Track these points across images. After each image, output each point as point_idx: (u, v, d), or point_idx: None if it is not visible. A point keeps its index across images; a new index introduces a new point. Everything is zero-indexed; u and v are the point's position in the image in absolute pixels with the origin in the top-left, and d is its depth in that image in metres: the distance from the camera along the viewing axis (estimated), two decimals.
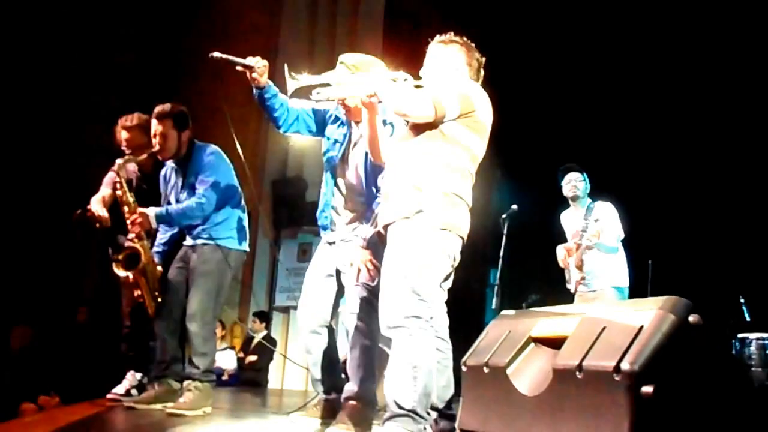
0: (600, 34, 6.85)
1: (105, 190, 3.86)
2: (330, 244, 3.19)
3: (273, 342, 8.03)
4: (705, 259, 6.17)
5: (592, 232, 4.31)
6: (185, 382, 3.44)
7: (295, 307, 8.38)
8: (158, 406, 3.44)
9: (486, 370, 2.07)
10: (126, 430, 3.03)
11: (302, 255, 8.65)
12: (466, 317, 3.80)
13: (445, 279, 2.50)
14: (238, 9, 9.42)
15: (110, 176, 3.82)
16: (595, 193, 4.62)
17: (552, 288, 4.82)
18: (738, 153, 6.30)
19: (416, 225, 2.34)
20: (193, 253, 3.56)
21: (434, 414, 2.43)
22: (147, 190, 3.87)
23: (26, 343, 5.45)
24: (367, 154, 2.88)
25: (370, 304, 2.87)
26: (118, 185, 3.60)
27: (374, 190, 3.00)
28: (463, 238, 2.47)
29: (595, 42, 6.90)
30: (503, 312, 2.37)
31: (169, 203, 3.67)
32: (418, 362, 2.24)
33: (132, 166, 3.93)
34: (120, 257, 3.60)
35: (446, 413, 2.51)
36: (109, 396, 3.76)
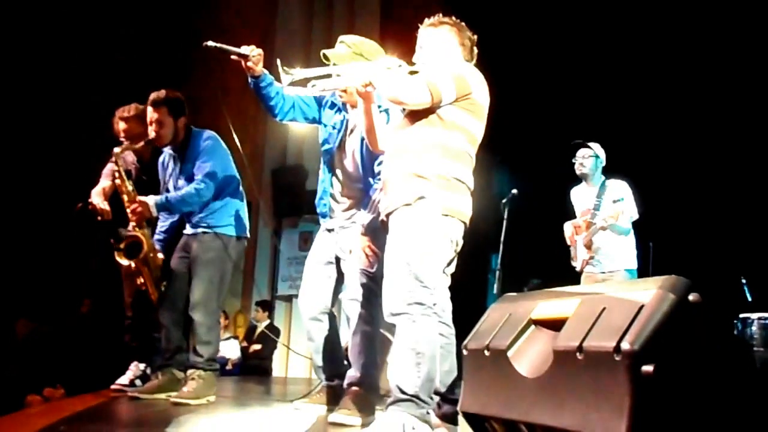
0: (600, 15, 6.81)
1: (104, 182, 3.87)
2: (329, 231, 3.21)
3: (276, 331, 8.06)
4: (706, 241, 6.17)
5: (611, 213, 4.21)
6: (189, 372, 3.46)
7: (297, 296, 8.44)
8: (162, 396, 3.47)
9: (487, 353, 2.07)
10: (130, 420, 3.05)
11: (303, 243, 8.66)
12: (468, 302, 3.79)
13: (448, 264, 2.51)
14: (235, 5, 9.39)
15: (109, 167, 3.83)
16: (610, 174, 4.55)
17: (553, 272, 4.81)
18: (739, 134, 6.27)
19: (418, 211, 2.34)
20: (194, 242, 3.57)
21: (437, 398, 2.44)
22: (147, 180, 3.87)
23: (30, 335, 5.48)
24: (363, 140, 2.87)
25: (370, 291, 2.89)
26: (116, 174, 3.60)
27: (371, 176, 3.01)
28: (465, 223, 2.47)
29: (594, 23, 6.86)
30: (504, 295, 2.37)
31: (167, 190, 3.67)
32: (422, 348, 2.25)
33: (131, 157, 3.93)
34: (122, 246, 3.61)
35: (449, 398, 2.53)
36: (113, 387, 3.78)
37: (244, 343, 8.09)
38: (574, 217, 4.56)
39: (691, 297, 1.65)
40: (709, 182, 6.34)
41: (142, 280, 3.62)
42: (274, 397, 4.55)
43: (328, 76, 2.58)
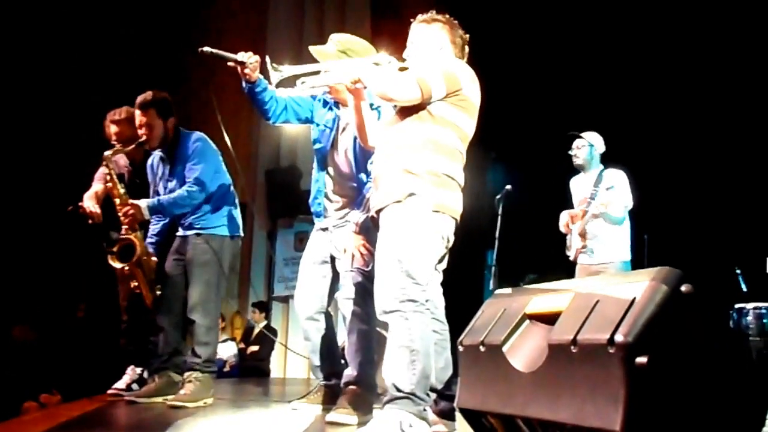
0: (593, 7, 6.82)
1: (97, 186, 3.86)
2: (323, 230, 3.20)
3: (273, 332, 8.05)
4: (701, 232, 6.18)
5: (602, 201, 4.22)
6: (186, 374, 3.45)
7: (293, 297, 8.44)
8: (159, 399, 3.46)
9: (482, 348, 2.07)
10: (128, 425, 3.04)
11: (299, 244, 8.65)
12: (464, 299, 3.80)
13: (440, 261, 2.50)
14: (226, 3, 9.37)
15: (101, 171, 3.82)
16: (608, 164, 4.55)
17: (549, 267, 4.82)
18: (733, 125, 6.29)
19: (408, 208, 2.34)
20: (188, 244, 3.56)
21: (433, 395, 2.44)
22: (139, 183, 3.87)
23: (26, 341, 5.46)
24: (355, 138, 2.87)
25: (365, 289, 2.88)
26: (107, 177, 3.59)
27: (364, 174, 3.00)
28: (456, 219, 2.46)
29: (587, 16, 6.86)
30: (498, 290, 2.37)
31: (157, 193, 3.66)
32: (416, 345, 2.24)
33: (123, 161, 3.93)
34: (114, 249, 3.61)
35: (445, 394, 2.53)
36: (109, 391, 3.78)
37: (242, 345, 8.08)
38: (572, 207, 4.55)
39: (683, 288, 1.66)
40: (703, 173, 6.35)
41: (136, 284, 3.62)
42: (271, 398, 4.54)
43: (317, 72, 2.57)
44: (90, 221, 3.72)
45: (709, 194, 6.25)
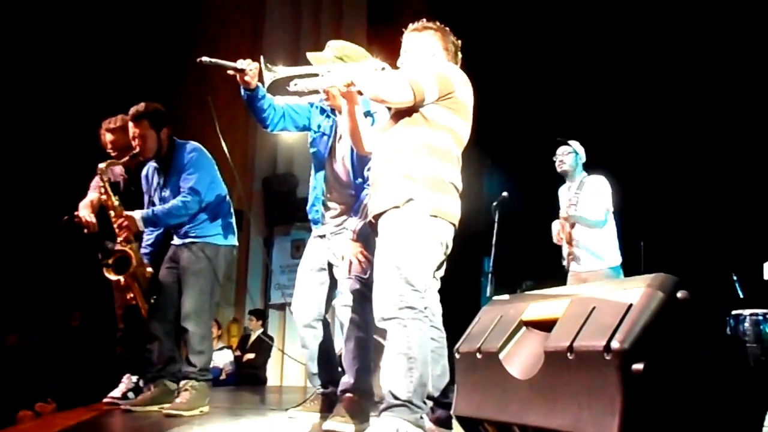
0: (589, 15, 6.85)
1: (92, 195, 3.86)
2: (320, 237, 3.20)
3: (270, 339, 8.03)
4: (697, 238, 6.19)
5: (563, 213, 4.24)
6: (182, 382, 3.44)
7: (290, 304, 8.42)
8: (155, 408, 3.44)
9: (479, 355, 2.07)
10: None
11: (296, 251, 8.64)
12: (461, 306, 3.80)
13: (438, 268, 2.50)
14: (223, 7, 9.39)
15: (97, 181, 3.81)
16: (592, 170, 4.55)
17: (546, 273, 4.83)
18: (728, 131, 6.31)
19: (406, 213, 2.33)
20: (182, 252, 3.56)
21: (430, 403, 2.43)
22: (135, 192, 3.86)
23: (20, 349, 5.44)
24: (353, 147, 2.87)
25: (363, 296, 2.87)
26: (101, 189, 3.59)
27: (361, 181, 3.00)
28: (454, 225, 2.45)
29: (581, 25, 6.89)
30: (494, 297, 2.37)
31: (152, 203, 3.66)
32: (413, 353, 2.23)
33: (118, 169, 3.92)
34: (110, 261, 3.60)
35: (442, 402, 2.52)
36: (105, 400, 3.76)
37: (238, 353, 8.05)
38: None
39: (679, 294, 1.66)
40: (699, 179, 6.37)
41: (132, 295, 3.61)
42: (268, 406, 4.53)
43: (311, 75, 2.57)
44: (85, 231, 3.71)
45: (705, 200, 6.27)
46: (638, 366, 1.54)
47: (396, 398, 2.21)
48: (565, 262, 4.42)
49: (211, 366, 3.63)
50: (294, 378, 8.22)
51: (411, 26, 2.63)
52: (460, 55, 2.63)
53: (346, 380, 2.96)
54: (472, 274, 7.16)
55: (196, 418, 3.26)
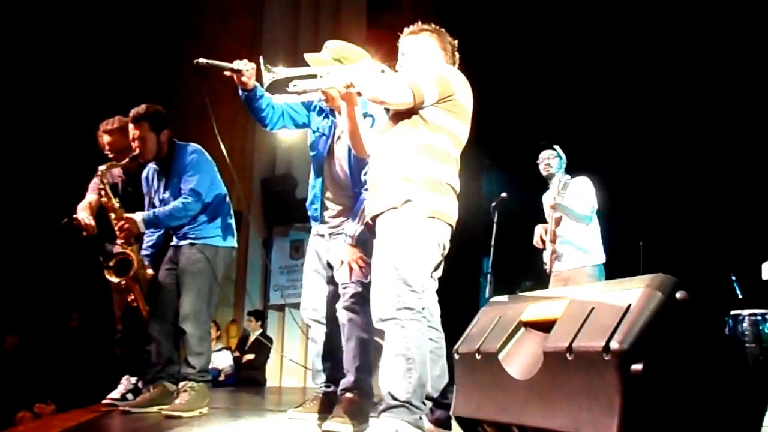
0: (584, 17, 6.85)
1: (91, 197, 3.85)
2: (320, 236, 3.21)
3: (269, 340, 8.02)
4: (696, 239, 6.20)
5: (549, 201, 4.23)
6: (181, 384, 3.44)
7: (289, 305, 8.43)
8: (154, 409, 3.44)
9: (478, 356, 2.07)
10: None
11: (295, 252, 8.64)
12: (460, 306, 3.80)
13: (435, 268, 2.50)
14: (221, 2, 9.38)
15: (95, 182, 3.81)
16: (575, 172, 4.55)
17: (545, 274, 4.83)
18: (726, 132, 6.32)
19: (404, 214, 2.33)
20: (181, 253, 3.56)
21: (429, 404, 2.43)
22: (133, 193, 3.86)
23: (19, 350, 5.44)
24: (350, 147, 2.87)
25: (363, 298, 2.88)
26: (102, 192, 3.59)
27: (359, 184, 3.01)
28: (451, 226, 2.46)
29: (579, 27, 6.90)
30: (493, 298, 2.37)
31: (153, 205, 3.66)
32: (412, 353, 2.23)
33: (117, 171, 3.92)
34: (111, 264, 3.60)
35: (441, 402, 2.51)
36: (104, 401, 3.76)
37: (237, 353, 8.04)
38: (546, 221, 4.56)
39: (678, 295, 1.66)
40: (698, 180, 6.38)
41: (133, 297, 3.61)
42: (267, 407, 4.52)
43: (311, 76, 2.57)
44: (84, 233, 3.71)
45: (703, 201, 6.28)
46: (637, 366, 1.54)
47: (395, 399, 2.21)
48: (547, 266, 4.41)
49: (210, 367, 3.63)
50: (293, 379, 8.21)
51: (407, 30, 2.63)
52: (457, 55, 2.64)
53: (347, 380, 2.96)
54: (471, 274, 7.16)
55: (196, 419, 3.26)
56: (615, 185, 4.55)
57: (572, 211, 4.24)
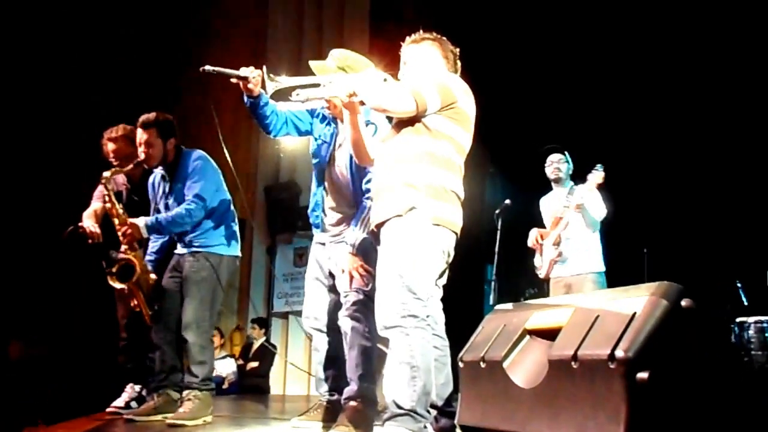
0: (588, 25, 6.86)
1: (96, 204, 3.87)
2: (321, 244, 3.21)
3: (273, 348, 8.01)
4: (701, 246, 6.17)
5: (577, 200, 4.19)
6: (185, 392, 3.43)
7: (293, 312, 8.43)
8: (158, 417, 3.44)
9: (483, 364, 2.07)
10: None
11: (298, 260, 8.63)
12: (464, 314, 3.79)
13: (440, 276, 2.50)
14: (225, 11, 9.42)
15: (100, 190, 3.82)
16: (579, 179, 4.55)
17: (549, 281, 4.81)
18: (731, 138, 6.30)
19: (409, 222, 2.34)
20: (185, 261, 3.56)
21: (434, 412, 2.42)
22: (137, 200, 3.87)
23: (23, 358, 5.43)
24: (352, 156, 2.88)
25: (365, 305, 2.88)
26: (106, 198, 3.60)
27: (360, 192, 3.01)
28: (456, 233, 2.46)
29: (583, 34, 6.90)
30: (498, 306, 2.37)
31: (158, 211, 3.67)
32: (417, 361, 2.23)
33: (121, 178, 3.93)
34: (114, 270, 3.60)
35: (446, 410, 2.51)
36: (108, 409, 3.75)
37: (240, 361, 8.03)
38: (544, 225, 4.55)
39: (683, 303, 1.66)
40: (703, 186, 6.36)
41: (136, 302, 3.61)
42: (271, 415, 4.51)
43: (314, 85, 2.58)
44: (90, 241, 3.72)
45: (708, 207, 6.25)
46: (643, 375, 1.54)
47: (399, 407, 2.20)
48: (541, 271, 4.39)
49: (213, 375, 3.63)
50: (297, 387, 8.19)
51: (409, 38, 2.65)
52: (459, 63, 2.65)
53: (350, 388, 2.96)
54: (475, 281, 7.14)
55: (200, 427, 3.25)
56: (619, 192, 4.53)
57: (592, 216, 4.23)
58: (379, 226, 2.44)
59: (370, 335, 2.91)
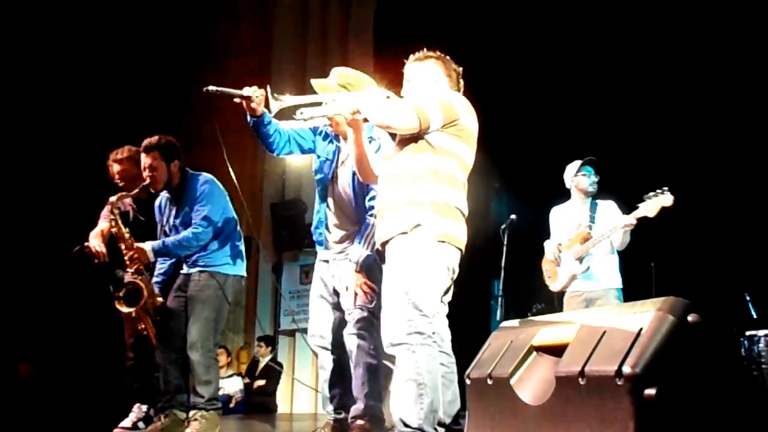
0: (591, 39, 6.88)
1: (103, 224, 3.87)
2: (325, 262, 3.21)
3: (280, 366, 7.98)
4: (708, 259, 6.14)
5: (630, 220, 4.11)
6: (191, 412, 3.42)
7: (300, 330, 8.41)
8: None
9: (490, 381, 2.06)
10: None
11: (305, 277, 8.63)
12: (471, 330, 3.77)
13: (446, 293, 2.49)
14: (230, 32, 9.51)
15: (107, 211, 3.83)
16: (597, 195, 4.53)
17: (556, 297, 4.79)
18: (740, 150, 6.28)
19: (414, 239, 2.34)
20: (191, 281, 3.56)
21: (442, 430, 2.41)
22: (145, 222, 3.88)
23: (32, 378, 5.44)
24: (354, 173, 2.88)
25: (370, 323, 2.88)
26: (113, 222, 3.61)
27: (363, 209, 3.02)
28: (461, 250, 2.46)
29: (587, 49, 6.93)
30: (504, 323, 2.36)
31: (165, 233, 3.68)
32: (423, 379, 2.22)
33: (128, 199, 3.94)
34: (121, 294, 3.60)
35: (453, 428, 2.49)
36: (116, 430, 3.74)
37: (247, 380, 8.00)
38: (548, 237, 4.53)
39: (690, 318, 1.65)
40: (710, 199, 6.33)
41: (143, 326, 3.61)
42: None
43: (318, 104, 2.60)
44: (96, 260, 3.73)
45: (715, 220, 6.23)
46: (650, 391, 1.53)
47: (407, 426, 2.19)
48: (556, 284, 4.34)
49: (220, 393, 3.61)
50: (304, 405, 8.16)
51: (412, 56, 2.66)
52: (461, 82, 2.66)
53: (357, 407, 2.95)
54: (481, 297, 7.12)
55: None
56: (626, 206, 4.52)
57: (618, 240, 4.20)
58: (385, 244, 2.45)
59: (375, 353, 2.90)
